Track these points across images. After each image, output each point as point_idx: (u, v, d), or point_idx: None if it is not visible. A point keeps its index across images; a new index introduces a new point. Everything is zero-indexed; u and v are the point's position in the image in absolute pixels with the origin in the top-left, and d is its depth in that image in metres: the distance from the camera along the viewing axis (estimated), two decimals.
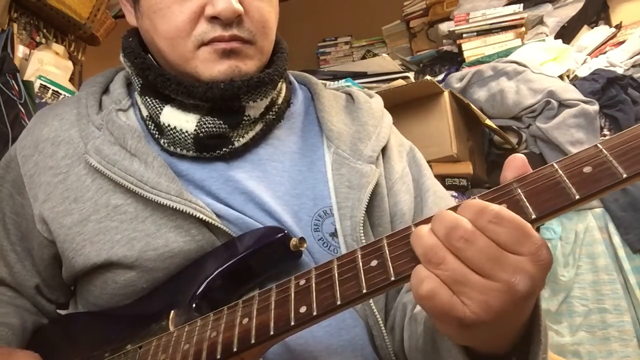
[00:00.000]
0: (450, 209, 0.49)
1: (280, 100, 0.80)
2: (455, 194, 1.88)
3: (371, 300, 0.72)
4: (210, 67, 0.72)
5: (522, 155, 0.50)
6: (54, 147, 0.78)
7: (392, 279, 0.48)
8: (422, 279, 0.46)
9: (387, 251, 0.50)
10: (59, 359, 0.75)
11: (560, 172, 0.46)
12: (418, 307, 0.70)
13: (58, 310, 0.87)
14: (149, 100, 0.76)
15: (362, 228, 0.72)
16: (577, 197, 0.44)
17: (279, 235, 0.68)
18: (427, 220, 0.50)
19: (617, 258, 1.81)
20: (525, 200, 0.47)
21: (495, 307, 0.45)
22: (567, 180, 0.45)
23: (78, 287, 0.82)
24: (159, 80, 0.74)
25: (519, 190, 0.47)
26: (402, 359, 0.72)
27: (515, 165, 0.49)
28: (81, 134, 0.77)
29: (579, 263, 1.84)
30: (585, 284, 1.81)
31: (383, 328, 0.72)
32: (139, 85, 0.78)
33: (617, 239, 1.82)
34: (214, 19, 0.71)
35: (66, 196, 0.75)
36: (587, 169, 0.45)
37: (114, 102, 0.80)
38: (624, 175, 0.43)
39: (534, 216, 0.46)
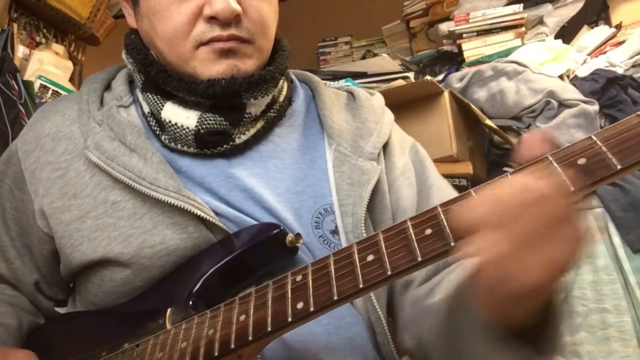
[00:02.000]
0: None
1: (281, 98, 0.81)
2: None
3: (373, 297, 0.72)
4: (209, 67, 0.72)
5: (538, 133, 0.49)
6: (55, 143, 0.78)
7: (389, 273, 0.48)
8: (496, 241, 0.44)
9: (383, 246, 0.50)
10: (56, 358, 0.75)
11: (554, 164, 0.46)
12: (434, 298, 0.69)
13: (56, 308, 0.87)
14: (150, 96, 0.77)
15: (363, 225, 0.72)
16: (572, 189, 0.44)
17: (275, 231, 0.68)
18: (422, 215, 0.50)
19: (617, 258, 1.80)
20: None
21: (545, 277, 0.45)
22: (561, 172, 0.45)
23: (76, 285, 0.82)
24: (161, 77, 0.74)
25: None
26: (415, 352, 0.72)
27: (537, 140, 0.49)
28: (82, 130, 0.77)
29: (579, 263, 1.83)
30: (585, 284, 1.81)
31: (385, 324, 0.72)
32: (141, 82, 0.78)
33: (617, 239, 1.81)
34: (212, 19, 0.71)
35: (65, 192, 0.75)
36: (581, 161, 0.45)
37: (115, 99, 0.80)
38: (618, 167, 0.43)
39: None
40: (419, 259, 0.48)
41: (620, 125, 0.44)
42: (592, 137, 0.45)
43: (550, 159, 0.46)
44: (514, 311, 0.49)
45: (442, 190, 0.81)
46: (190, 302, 0.66)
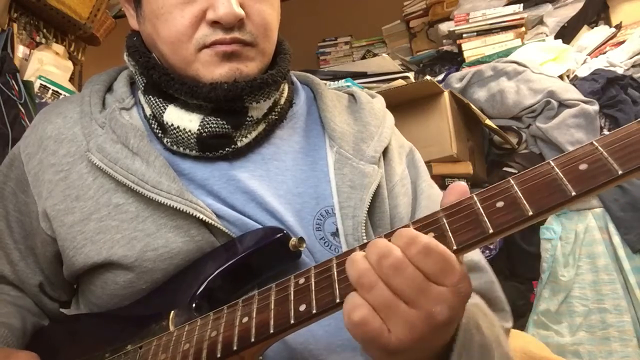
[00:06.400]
0: (385, 235, 0.51)
1: (282, 101, 0.81)
2: None
3: None
4: (212, 69, 0.72)
5: (464, 184, 0.52)
6: (57, 145, 0.78)
7: None
8: (356, 306, 0.48)
9: None
10: (59, 359, 0.75)
11: (556, 169, 0.47)
12: None
13: (61, 309, 0.87)
14: (152, 99, 0.77)
15: (364, 228, 0.72)
16: (574, 193, 0.45)
17: (278, 235, 0.69)
18: (423, 220, 0.51)
19: (617, 258, 1.81)
20: (522, 197, 0.47)
21: (417, 334, 0.48)
22: (563, 178, 0.46)
23: (80, 287, 0.82)
24: (163, 80, 0.74)
25: (516, 188, 0.48)
26: None
27: (458, 191, 0.51)
28: (84, 132, 0.77)
29: (579, 263, 1.83)
30: (585, 284, 1.81)
31: None
32: (143, 85, 0.78)
33: (617, 239, 1.81)
34: (215, 23, 0.71)
35: (67, 194, 0.75)
36: (583, 166, 0.45)
37: (117, 101, 0.80)
38: (620, 172, 0.44)
39: (530, 213, 0.46)
40: None
41: (621, 132, 0.45)
42: (594, 142, 0.46)
43: (553, 164, 0.47)
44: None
45: (431, 199, 0.81)
46: (194, 305, 0.66)
